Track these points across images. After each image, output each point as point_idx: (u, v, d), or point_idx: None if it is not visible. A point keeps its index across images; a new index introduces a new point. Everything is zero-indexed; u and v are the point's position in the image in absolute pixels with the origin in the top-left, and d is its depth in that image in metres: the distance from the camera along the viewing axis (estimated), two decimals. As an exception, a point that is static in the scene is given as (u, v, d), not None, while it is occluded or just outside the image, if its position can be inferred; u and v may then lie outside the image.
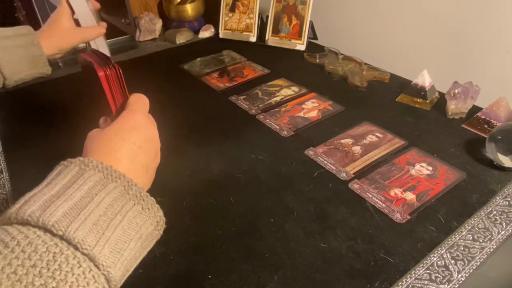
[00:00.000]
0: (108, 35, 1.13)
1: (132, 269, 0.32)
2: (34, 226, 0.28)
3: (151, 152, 0.39)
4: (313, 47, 1.06)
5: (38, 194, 0.30)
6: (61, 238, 0.27)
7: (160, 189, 0.60)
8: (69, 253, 0.27)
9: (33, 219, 0.28)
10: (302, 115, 0.78)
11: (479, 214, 0.55)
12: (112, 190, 0.31)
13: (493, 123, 0.70)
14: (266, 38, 1.11)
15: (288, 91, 0.87)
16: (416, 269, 0.47)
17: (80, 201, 0.29)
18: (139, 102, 0.42)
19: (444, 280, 0.46)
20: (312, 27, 1.07)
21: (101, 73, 0.38)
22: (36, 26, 0.76)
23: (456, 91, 0.73)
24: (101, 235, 0.29)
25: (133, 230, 0.31)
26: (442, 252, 0.50)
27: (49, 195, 0.30)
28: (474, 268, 0.47)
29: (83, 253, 0.27)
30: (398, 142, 0.69)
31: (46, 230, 0.27)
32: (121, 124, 0.38)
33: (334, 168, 0.64)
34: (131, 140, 0.37)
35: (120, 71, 0.40)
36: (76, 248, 0.27)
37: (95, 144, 0.36)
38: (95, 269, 0.27)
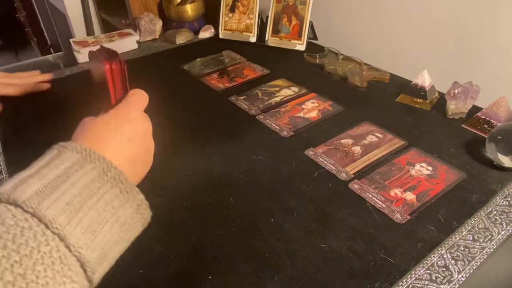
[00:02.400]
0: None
1: (114, 254, 0.31)
2: (5, 203, 0.27)
3: (141, 147, 0.38)
4: (313, 47, 1.06)
5: (14, 176, 0.29)
6: (32, 215, 0.27)
7: (160, 190, 0.61)
8: (38, 230, 0.26)
9: (4, 196, 0.27)
10: (302, 115, 0.78)
11: (479, 214, 0.55)
12: (90, 171, 0.30)
13: (493, 123, 0.70)
14: (266, 38, 1.11)
15: (288, 91, 0.87)
16: (416, 269, 0.47)
17: (55, 180, 0.29)
18: (138, 97, 0.41)
19: (445, 281, 0.46)
20: (312, 27, 1.07)
21: (107, 65, 0.39)
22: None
23: (456, 91, 0.73)
24: (74, 215, 0.28)
25: (109, 213, 0.30)
26: (442, 252, 0.50)
27: (24, 175, 0.29)
28: (474, 268, 0.47)
29: (53, 232, 0.26)
30: (398, 142, 0.69)
31: (17, 206, 0.27)
32: (114, 115, 0.38)
33: (334, 168, 0.64)
34: (121, 131, 0.36)
35: (125, 66, 0.41)
36: (47, 227, 0.26)
37: (85, 131, 0.36)
38: (64, 249, 0.26)
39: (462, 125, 0.74)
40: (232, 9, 1.15)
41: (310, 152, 0.68)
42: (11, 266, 0.24)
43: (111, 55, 0.41)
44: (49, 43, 2.42)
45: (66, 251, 0.26)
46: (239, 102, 0.84)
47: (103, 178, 0.31)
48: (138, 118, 0.39)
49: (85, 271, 0.28)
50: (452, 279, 0.46)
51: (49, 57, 1.10)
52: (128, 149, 0.36)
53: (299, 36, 1.07)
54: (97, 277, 0.29)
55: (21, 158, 0.69)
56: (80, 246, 0.27)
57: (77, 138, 0.36)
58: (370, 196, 0.58)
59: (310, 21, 1.05)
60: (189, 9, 1.23)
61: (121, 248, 0.32)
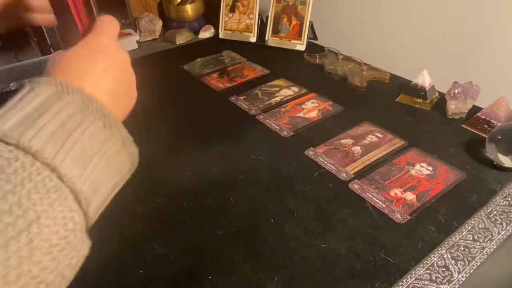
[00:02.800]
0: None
1: (106, 189, 0.29)
2: None
3: (120, 80, 0.35)
4: (313, 47, 1.06)
5: None
6: (16, 147, 0.24)
7: (160, 190, 0.61)
8: (26, 160, 0.24)
9: None
10: (302, 115, 0.78)
11: (479, 214, 0.55)
12: (69, 103, 0.28)
13: (493, 123, 0.70)
14: (266, 38, 1.11)
15: (288, 91, 0.87)
16: (417, 269, 0.47)
17: (33, 113, 0.26)
18: (107, 25, 0.38)
19: (445, 281, 0.46)
20: (312, 27, 1.07)
21: None
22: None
23: (456, 91, 0.73)
24: (61, 146, 0.26)
25: (96, 145, 0.28)
26: (443, 252, 0.50)
27: None
28: (474, 268, 0.47)
29: (42, 163, 0.24)
30: (398, 142, 0.69)
31: None
32: (84, 46, 0.35)
33: (334, 168, 0.64)
34: (95, 63, 0.33)
35: None
36: (35, 157, 0.24)
37: (56, 65, 0.33)
38: (56, 180, 0.25)
39: (462, 125, 0.74)
40: (232, 9, 1.15)
41: (310, 152, 0.68)
42: (4, 196, 0.22)
43: None
44: (49, 43, 2.42)
45: (59, 182, 0.25)
46: (239, 102, 0.84)
47: (85, 111, 0.28)
48: (111, 48, 0.36)
49: (79, 202, 0.26)
50: (452, 279, 0.46)
51: (49, 57, 1.10)
52: (105, 82, 0.33)
53: (299, 36, 1.07)
54: (92, 210, 0.28)
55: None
56: (73, 177, 0.25)
57: (48, 73, 0.32)
58: (370, 196, 0.58)
59: (310, 21, 1.05)
60: (189, 9, 1.23)
61: (111, 184, 0.30)
